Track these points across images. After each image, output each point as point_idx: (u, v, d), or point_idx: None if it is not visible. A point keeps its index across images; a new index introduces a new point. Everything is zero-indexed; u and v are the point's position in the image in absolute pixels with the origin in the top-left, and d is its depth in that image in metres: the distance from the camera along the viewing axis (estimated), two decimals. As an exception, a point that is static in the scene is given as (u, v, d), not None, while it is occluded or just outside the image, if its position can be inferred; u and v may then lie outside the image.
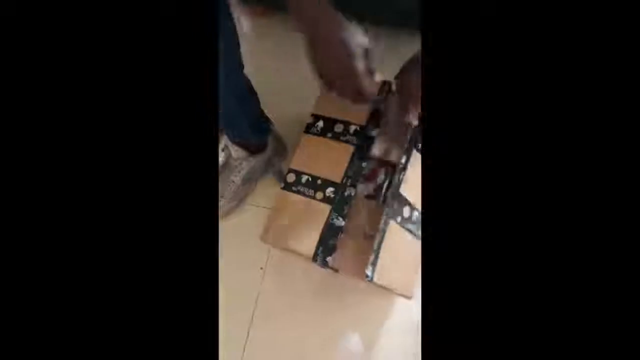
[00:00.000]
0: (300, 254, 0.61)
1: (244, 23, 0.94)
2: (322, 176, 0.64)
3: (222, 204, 0.78)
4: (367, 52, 0.51)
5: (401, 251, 0.61)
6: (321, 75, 0.52)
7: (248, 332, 0.74)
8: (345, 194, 0.62)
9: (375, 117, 0.64)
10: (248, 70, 0.64)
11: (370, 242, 0.57)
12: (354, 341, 0.73)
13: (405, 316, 0.73)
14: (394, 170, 0.62)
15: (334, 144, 0.65)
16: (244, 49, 0.61)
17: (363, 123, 0.65)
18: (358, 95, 0.53)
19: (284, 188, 0.65)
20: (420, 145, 0.62)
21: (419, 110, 0.55)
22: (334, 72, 0.51)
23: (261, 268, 0.78)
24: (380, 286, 0.60)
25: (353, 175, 0.63)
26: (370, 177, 0.64)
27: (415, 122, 0.57)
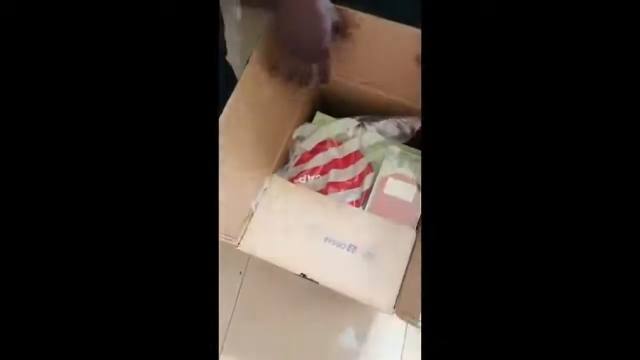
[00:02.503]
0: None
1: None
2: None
3: None
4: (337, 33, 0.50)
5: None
6: (284, 45, 0.50)
7: (225, 336, 0.71)
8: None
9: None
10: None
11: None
12: (348, 339, 0.71)
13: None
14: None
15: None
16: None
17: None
18: (309, 78, 0.53)
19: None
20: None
21: None
22: (303, 43, 0.50)
23: (240, 272, 0.76)
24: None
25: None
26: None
27: None
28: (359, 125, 0.65)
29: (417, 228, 0.59)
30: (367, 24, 0.60)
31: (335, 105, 0.69)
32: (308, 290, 0.74)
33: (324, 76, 0.58)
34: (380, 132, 0.64)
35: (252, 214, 0.58)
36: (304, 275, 0.55)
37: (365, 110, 0.66)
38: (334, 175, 0.63)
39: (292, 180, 0.64)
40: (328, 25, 0.50)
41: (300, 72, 0.55)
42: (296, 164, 0.65)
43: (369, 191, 0.62)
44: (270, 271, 0.75)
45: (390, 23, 0.59)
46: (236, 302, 0.74)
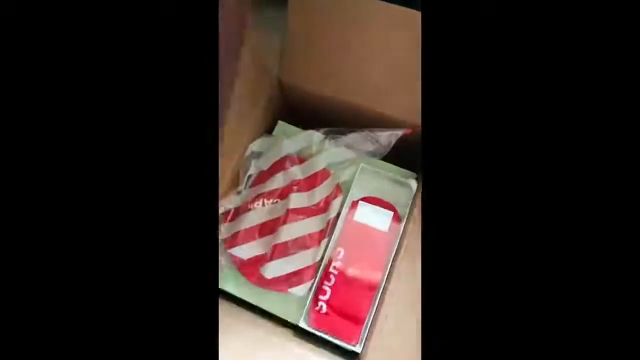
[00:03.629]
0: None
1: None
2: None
3: None
4: None
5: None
6: None
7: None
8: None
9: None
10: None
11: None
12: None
13: None
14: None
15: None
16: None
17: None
18: None
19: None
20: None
21: None
22: None
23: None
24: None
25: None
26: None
27: None
28: (324, 139, 0.55)
29: (390, 266, 0.49)
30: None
31: (303, 117, 0.58)
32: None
33: None
34: (348, 146, 0.54)
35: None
36: None
37: (338, 122, 0.56)
38: (295, 199, 0.53)
39: (247, 205, 0.54)
40: None
41: None
42: (252, 185, 0.55)
43: (336, 218, 0.52)
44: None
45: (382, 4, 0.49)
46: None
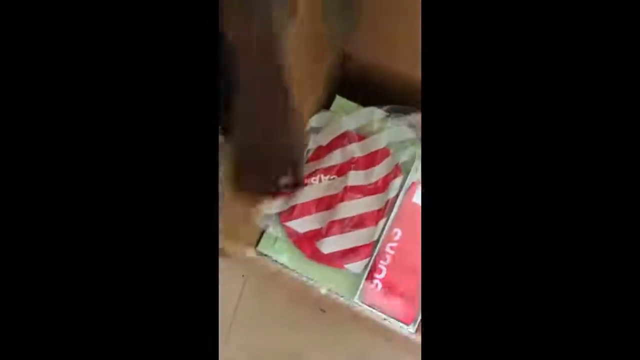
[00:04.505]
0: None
1: None
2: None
3: None
4: None
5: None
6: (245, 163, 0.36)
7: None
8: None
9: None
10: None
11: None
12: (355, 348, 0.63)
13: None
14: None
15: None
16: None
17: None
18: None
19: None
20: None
21: None
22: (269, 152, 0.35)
23: (243, 275, 0.68)
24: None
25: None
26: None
27: None
28: (387, 117, 0.53)
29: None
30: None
31: (359, 90, 0.57)
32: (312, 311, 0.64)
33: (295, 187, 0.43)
34: (411, 126, 0.53)
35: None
36: None
37: (397, 97, 0.54)
38: (353, 177, 0.52)
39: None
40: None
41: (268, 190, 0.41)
42: (310, 160, 0.55)
43: (395, 199, 0.51)
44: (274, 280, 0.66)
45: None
46: (237, 306, 0.66)
